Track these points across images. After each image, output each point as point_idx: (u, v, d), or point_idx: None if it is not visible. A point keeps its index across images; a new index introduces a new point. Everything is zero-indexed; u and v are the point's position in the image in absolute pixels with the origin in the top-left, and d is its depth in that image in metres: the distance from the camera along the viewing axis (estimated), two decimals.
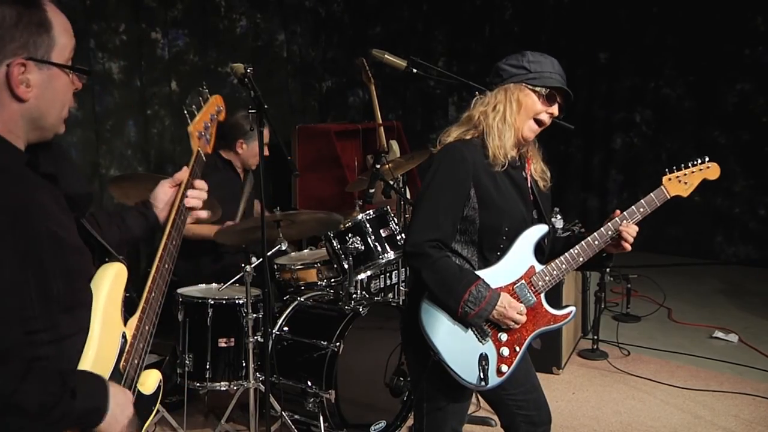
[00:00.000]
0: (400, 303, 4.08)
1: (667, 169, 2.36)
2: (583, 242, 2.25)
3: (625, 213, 2.27)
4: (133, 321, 1.58)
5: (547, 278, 2.23)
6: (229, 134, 4.05)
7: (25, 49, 1.39)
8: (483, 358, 2.16)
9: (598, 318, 4.62)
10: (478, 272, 2.18)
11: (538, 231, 2.24)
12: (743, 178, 6.81)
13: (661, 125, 7.24)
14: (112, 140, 4.80)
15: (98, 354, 1.46)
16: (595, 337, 4.58)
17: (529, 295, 2.22)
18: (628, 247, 2.26)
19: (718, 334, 4.94)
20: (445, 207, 2.15)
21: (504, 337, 2.20)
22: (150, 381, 1.64)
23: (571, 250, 2.24)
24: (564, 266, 2.24)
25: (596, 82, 7.56)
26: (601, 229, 2.26)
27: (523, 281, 2.22)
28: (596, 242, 2.25)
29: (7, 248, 1.30)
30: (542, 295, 2.24)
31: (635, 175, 7.33)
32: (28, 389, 1.29)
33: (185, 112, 1.89)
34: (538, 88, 2.16)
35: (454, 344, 2.15)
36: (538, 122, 2.21)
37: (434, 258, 2.11)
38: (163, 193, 1.83)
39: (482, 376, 2.15)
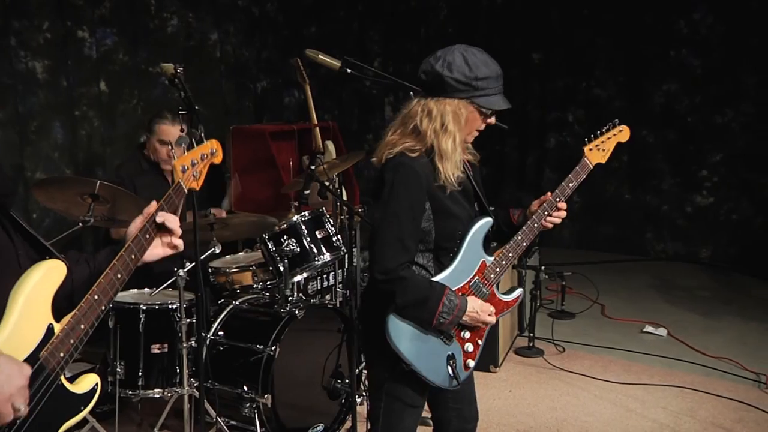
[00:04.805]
0: (337, 305, 4.07)
1: (586, 139, 2.43)
2: (524, 227, 2.31)
3: (557, 191, 2.34)
4: (67, 317, 1.59)
5: (498, 269, 2.29)
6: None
7: None
8: (450, 358, 2.23)
9: (533, 316, 4.69)
10: (435, 278, 2.21)
11: (484, 226, 2.27)
12: (671, 176, 7.02)
13: (593, 125, 7.35)
14: (38, 142, 4.64)
15: (11, 337, 1.48)
16: (531, 334, 4.65)
17: (484, 289, 2.28)
18: (550, 226, 2.35)
19: (649, 328, 5.07)
20: (409, 229, 2.15)
21: (467, 334, 2.27)
22: (85, 382, 1.67)
23: (516, 237, 2.30)
24: (511, 254, 2.31)
25: (530, 82, 7.69)
26: (539, 211, 2.32)
27: (477, 277, 2.26)
28: (536, 225, 2.32)
29: None
30: (494, 285, 2.31)
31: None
32: None
33: (172, 150, 1.95)
34: (483, 109, 2.16)
35: (424, 352, 2.20)
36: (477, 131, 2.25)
37: (407, 279, 2.14)
38: (135, 228, 1.77)
39: (452, 375, 2.22)
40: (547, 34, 7.51)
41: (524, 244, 2.31)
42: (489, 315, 2.24)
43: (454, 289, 2.20)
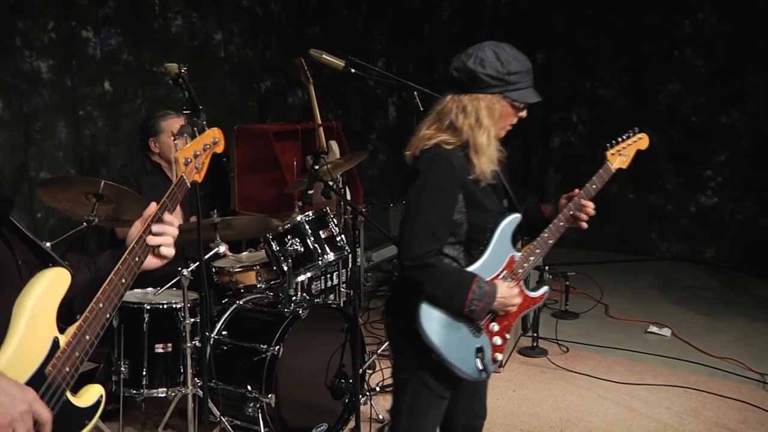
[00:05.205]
0: (341, 305, 4.07)
1: (608, 144, 2.49)
2: (551, 225, 2.36)
3: (582, 191, 2.39)
4: (72, 329, 1.52)
5: (525, 265, 2.33)
6: (140, 135, 4.02)
7: None
8: (479, 351, 2.26)
9: (537, 315, 4.69)
10: (467, 269, 2.25)
11: (513, 222, 2.32)
12: (675, 177, 7.01)
13: (596, 125, 7.40)
14: (42, 142, 4.64)
15: (17, 353, 1.42)
16: (535, 334, 4.65)
17: (512, 283, 2.32)
18: (585, 225, 2.39)
19: (653, 328, 5.07)
20: (439, 217, 2.18)
21: (495, 327, 2.31)
22: (89, 394, 1.59)
23: (543, 234, 2.34)
24: (538, 251, 2.35)
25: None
26: (564, 210, 2.37)
27: (505, 271, 2.31)
28: (561, 223, 2.37)
29: None
30: (522, 281, 2.35)
31: (573, 174, 7.46)
32: None
33: (174, 141, 1.92)
34: (516, 103, 2.23)
35: (454, 342, 2.23)
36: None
37: (435, 267, 2.17)
38: (136, 231, 1.73)
39: (481, 367, 2.26)
40: (551, 34, 7.51)
41: (550, 241, 2.36)
42: (515, 298, 2.28)
43: None
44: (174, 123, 3.89)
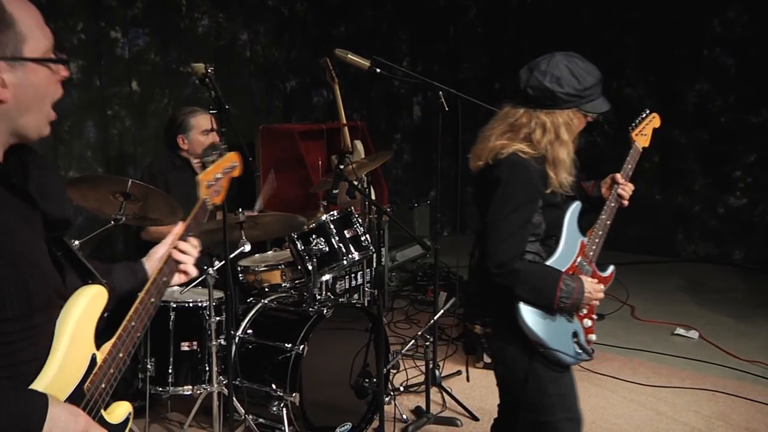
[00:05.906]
0: (365, 304, 4.08)
1: (629, 127, 2.69)
2: (605, 207, 2.51)
3: (621, 173, 2.57)
4: (107, 346, 1.55)
5: (594, 247, 2.44)
6: (167, 133, 4.05)
7: None
8: (574, 335, 2.37)
9: None
10: (547, 262, 2.33)
11: (576, 209, 2.44)
12: (702, 177, 6.92)
13: (623, 125, 7.30)
14: (71, 141, 4.71)
15: (60, 370, 1.44)
16: None
17: (587, 266, 2.42)
18: (626, 203, 2.58)
19: (680, 330, 5.01)
20: (522, 224, 2.26)
21: (584, 310, 2.41)
22: (119, 411, 1.62)
23: (601, 217, 2.49)
24: (601, 232, 2.47)
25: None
26: (612, 192, 2.55)
27: (580, 257, 2.40)
28: (613, 204, 2.53)
29: None
30: (593, 263, 2.45)
31: (598, 173, 7.36)
32: None
33: (200, 162, 1.98)
34: (589, 115, 2.33)
35: (555, 331, 2.30)
36: None
37: (522, 271, 2.23)
38: (164, 250, 1.79)
39: (579, 351, 2.37)
40: (577, 33, 7.44)
41: (608, 222, 2.49)
42: (600, 292, 2.37)
43: (563, 269, 2.32)
44: (202, 119, 3.93)
